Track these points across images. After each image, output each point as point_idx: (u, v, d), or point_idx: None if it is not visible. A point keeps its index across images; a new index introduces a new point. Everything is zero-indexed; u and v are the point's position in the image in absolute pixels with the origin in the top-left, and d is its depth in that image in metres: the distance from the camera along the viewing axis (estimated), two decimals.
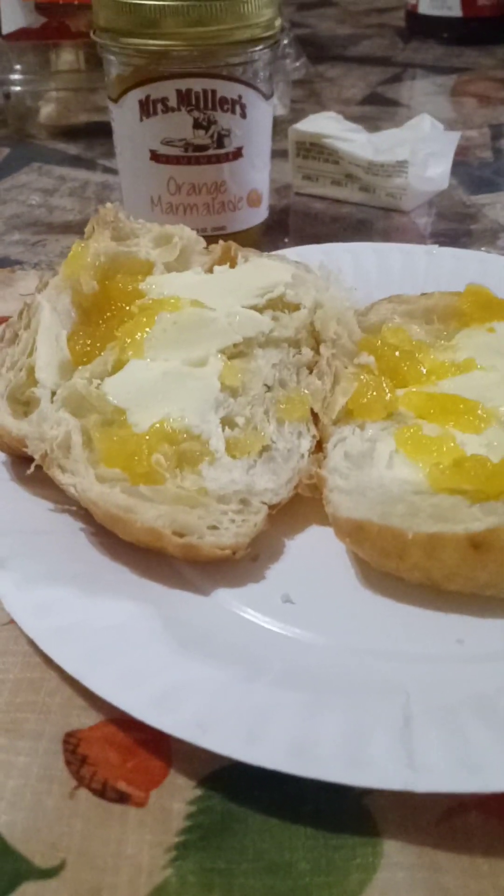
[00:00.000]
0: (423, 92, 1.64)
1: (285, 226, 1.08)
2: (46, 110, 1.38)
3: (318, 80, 1.65)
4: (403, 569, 0.52)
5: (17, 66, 1.32)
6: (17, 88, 1.35)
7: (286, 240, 1.03)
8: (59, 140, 1.37)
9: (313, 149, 1.10)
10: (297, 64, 1.46)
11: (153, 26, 0.81)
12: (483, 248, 0.99)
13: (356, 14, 2.25)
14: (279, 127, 0.96)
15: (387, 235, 1.04)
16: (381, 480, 0.55)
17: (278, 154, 0.98)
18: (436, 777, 0.40)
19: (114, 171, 1.19)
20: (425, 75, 1.72)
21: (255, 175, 0.92)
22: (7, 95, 1.36)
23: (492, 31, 1.85)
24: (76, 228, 1.07)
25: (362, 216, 1.09)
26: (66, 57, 1.33)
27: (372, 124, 1.30)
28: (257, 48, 0.85)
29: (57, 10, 1.25)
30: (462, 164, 1.21)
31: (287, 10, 1.03)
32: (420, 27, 1.93)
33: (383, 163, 1.05)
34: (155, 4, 0.81)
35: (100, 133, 1.31)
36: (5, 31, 1.27)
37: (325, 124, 1.11)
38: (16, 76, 1.33)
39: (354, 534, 0.53)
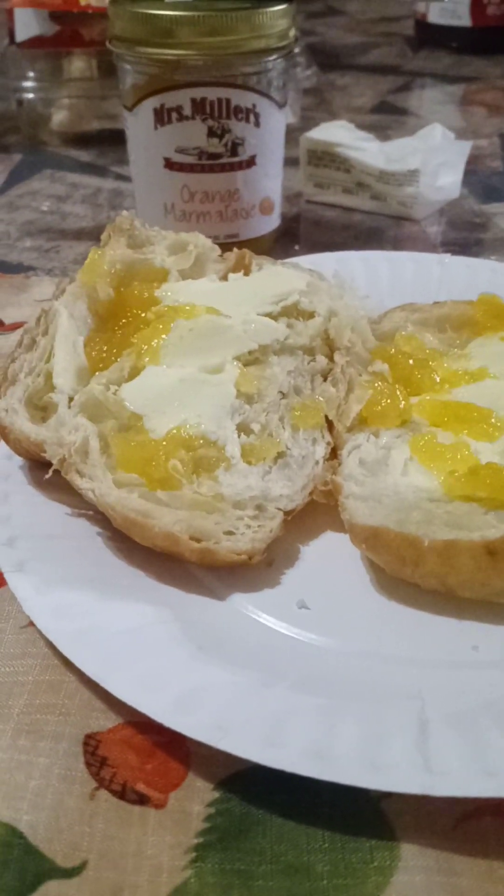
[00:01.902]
0: (432, 101, 1.65)
1: (296, 233, 1.08)
2: (59, 117, 1.39)
3: (328, 89, 1.66)
4: (419, 575, 0.52)
5: (31, 74, 1.33)
6: (30, 96, 1.36)
7: (297, 247, 1.04)
8: (72, 147, 1.38)
9: (325, 157, 1.10)
10: (308, 72, 1.47)
11: (168, 36, 0.82)
12: (493, 257, 1.00)
13: (365, 23, 2.26)
14: (290, 135, 0.96)
15: (397, 244, 1.05)
16: (396, 487, 0.56)
17: (289, 162, 0.99)
18: (452, 781, 0.40)
19: (126, 178, 1.20)
20: (435, 84, 1.73)
21: (268, 183, 0.93)
22: (20, 102, 1.37)
23: (501, 41, 1.86)
24: (89, 235, 1.08)
25: (373, 224, 1.10)
26: (79, 65, 1.34)
27: (382, 133, 1.31)
28: (271, 58, 0.86)
29: (71, 19, 1.26)
30: (473, 173, 1.22)
31: (296, 17, 1.04)
32: (429, 36, 1.94)
33: (395, 171, 1.05)
34: (170, 14, 0.82)
35: (112, 140, 1.33)
36: (19, 38, 1.28)
37: (337, 133, 1.11)
38: (29, 83, 1.34)
39: (370, 540, 0.53)
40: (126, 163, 0.95)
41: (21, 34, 1.27)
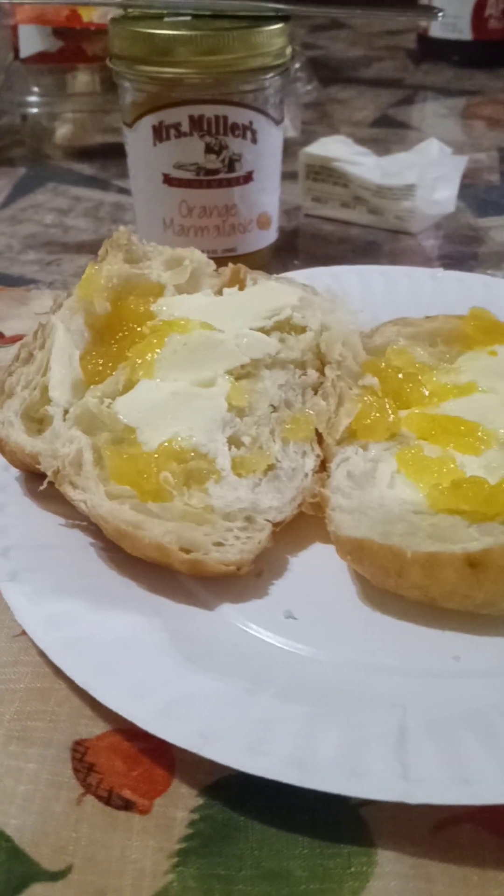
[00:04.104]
0: (433, 114, 1.66)
1: (294, 247, 1.10)
2: (62, 131, 1.41)
3: (329, 102, 1.68)
4: (402, 587, 0.53)
5: (35, 89, 1.36)
6: (34, 110, 1.38)
7: (295, 261, 1.05)
8: (75, 160, 1.39)
9: (323, 172, 1.12)
10: (309, 87, 1.49)
11: (167, 54, 0.84)
12: (488, 271, 1.01)
13: (368, 36, 2.28)
14: (290, 149, 0.98)
15: (394, 257, 1.06)
16: (382, 500, 0.57)
17: (289, 176, 1.00)
18: (429, 789, 0.41)
19: (127, 192, 1.21)
20: (436, 98, 1.74)
21: (265, 198, 0.94)
22: (24, 117, 1.39)
23: (502, 54, 1.87)
24: (90, 248, 1.09)
25: (370, 238, 1.11)
26: (82, 79, 1.36)
27: (382, 146, 1.32)
28: (268, 76, 0.87)
29: (74, 35, 1.28)
30: (469, 187, 1.23)
31: (299, 32, 1.05)
32: (431, 50, 1.96)
33: (391, 186, 1.07)
34: (169, 34, 0.83)
35: (114, 154, 1.34)
36: (24, 54, 1.30)
37: (335, 148, 1.13)
38: (33, 98, 1.36)
39: (355, 552, 0.54)
40: (128, 176, 0.96)
41: (25, 50, 1.30)
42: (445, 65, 1.92)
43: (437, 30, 1.89)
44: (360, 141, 1.19)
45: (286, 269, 0.87)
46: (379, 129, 1.55)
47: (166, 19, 0.87)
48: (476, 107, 1.67)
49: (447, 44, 1.89)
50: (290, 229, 1.13)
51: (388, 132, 1.53)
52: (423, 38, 1.96)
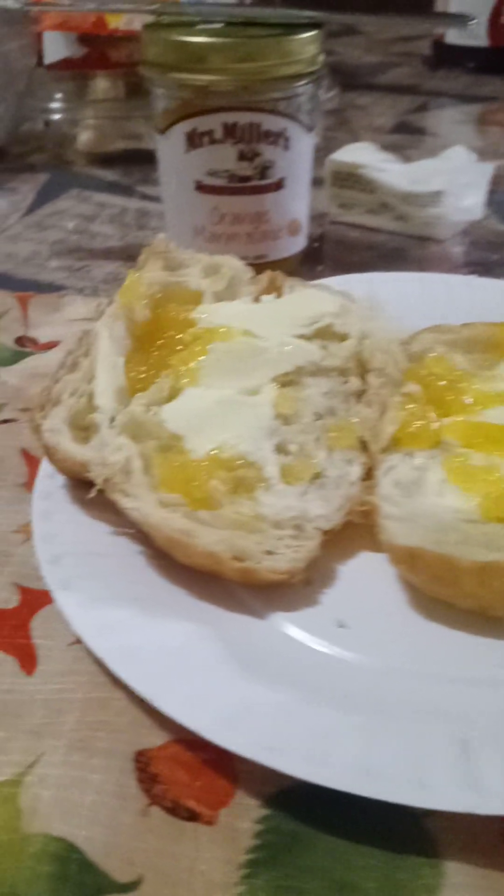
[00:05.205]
0: (450, 121, 1.66)
1: (321, 253, 1.10)
2: (84, 137, 1.41)
3: (348, 109, 1.68)
4: (456, 595, 0.53)
5: (57, 95, 1.36)
6: (57, 116, 1.38)
7: (321, 267, 1.05)
8: (97, 166, 1.39)
9: (349, 178, 1.12)
10: (331, 94, 1.49)
11: (201, 62, 0.84)
12: None
13: (383, 42, 2.28)
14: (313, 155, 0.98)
15: (421, 264, 1.06)
16: (432, 509, 0.57)
17: (313, 182, 1.00)
18: (499, 799, 0.41)
19: (151, 198, 1.22)
20: (453, 104, 1.74)
21: (296, 205, 0.94)
22: (47, 123, 1.39)
23: None
24: (118, 255, 1.09)
25: (397, 245, 1.11)
26: (105, 86, 1.37)
27: (401, 152, 1.32)
28: (301, 83, 0.87)
29: (99, 42, 1.28)
30: (494, 193, 1.22)
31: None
32: (447, 56, 1.96)
33: (419, 193, 1.07)
34: (203, 41, 0.83)
35: (136, 160, 1.34)
36: (48, 61, 1.30)
37: (361, 154, 1.13)
38: (56, 104, 1.37)
39: (408, 561, 0.54)
40: (151, 182, 0.97)
41: (50, 56, 1.30)
42: (461, 71, 1.92)
43: (453, 36, 1.90)
44: (381, 147, 1.19)
45: (312, 276, 0.87)
46: (398, 135, 1.55)
47: (199, 27, 0.87)
48: (493, 113, 1.67)
49: (463, 50, 1.90)
50: (316, 236, 1.13)
51: (406, 139, 1.53)
52: (439, 45, 1.96)
